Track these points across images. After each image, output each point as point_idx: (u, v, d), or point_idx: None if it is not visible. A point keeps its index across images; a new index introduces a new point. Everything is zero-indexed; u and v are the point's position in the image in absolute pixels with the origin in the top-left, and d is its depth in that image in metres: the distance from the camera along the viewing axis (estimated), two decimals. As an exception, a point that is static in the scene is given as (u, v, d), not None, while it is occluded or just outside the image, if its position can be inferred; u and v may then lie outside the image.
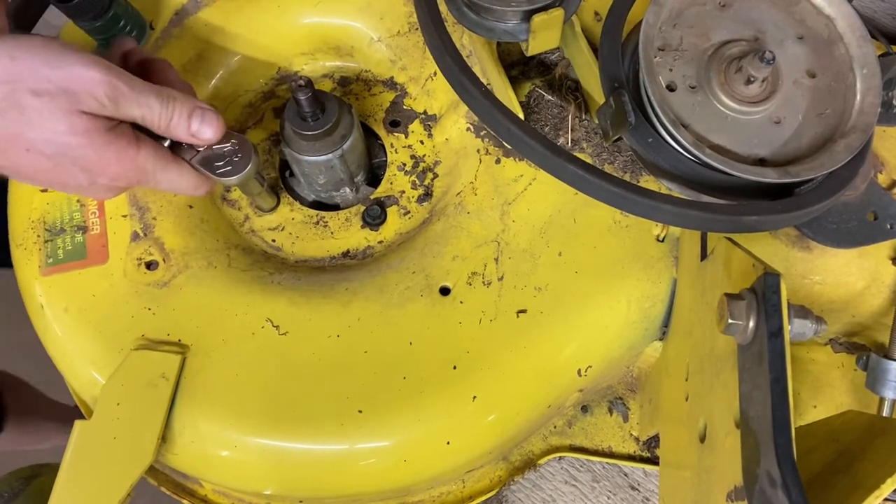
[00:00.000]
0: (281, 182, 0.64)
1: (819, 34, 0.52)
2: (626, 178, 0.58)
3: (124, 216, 0.57)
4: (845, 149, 0.47)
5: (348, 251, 0.60)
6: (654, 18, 0.51)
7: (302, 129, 0.55)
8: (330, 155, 0.56)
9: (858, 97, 0.49)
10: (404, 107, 0.67)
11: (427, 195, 0.62)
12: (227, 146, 0.51)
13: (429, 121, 0.66)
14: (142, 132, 0.48)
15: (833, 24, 0.51)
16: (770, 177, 0.46)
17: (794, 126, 0.50)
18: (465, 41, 0.64)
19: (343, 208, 0.63)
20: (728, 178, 0.48)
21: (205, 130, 0.48)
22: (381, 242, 0.60)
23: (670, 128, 0.48)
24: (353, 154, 0.58)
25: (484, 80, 0.63)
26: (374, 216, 0.61)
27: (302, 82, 0.52)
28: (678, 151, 0.49)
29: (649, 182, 0.58)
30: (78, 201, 0.58)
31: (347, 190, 0.62)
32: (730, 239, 0.45)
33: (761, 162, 0.49)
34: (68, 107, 0.42)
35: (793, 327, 0.38)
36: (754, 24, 0.52)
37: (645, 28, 0.51)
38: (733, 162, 0.47)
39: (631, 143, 0.51)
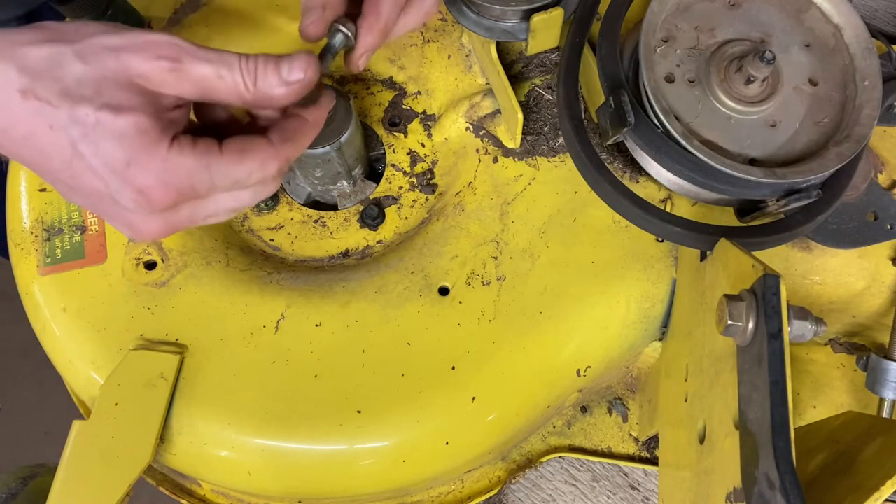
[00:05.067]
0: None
1: (825, 43, 0.52)
2: (626, 178, 0.58)
3: (123, 216, 0.57)
4: (836, 157, 0.47)
5: (347, 251, 0.60)
6: (659, 7, 0.51)
7: None
8: (327, 147, 0.55)
9: (857, 108, 0.49)
10: (403, 106, 0.66)
11: (426, 195, 0.62)
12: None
13: (428, 120, 0.65)
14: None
15: (840, 33, 0.51)
16: (755, 175, 0.46)
17: (790, 131, 0.50)
18: (465, 41, 0.64)
19: (341, 202, 0.63)
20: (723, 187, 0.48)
21: (296, 72, 0.38)
22: (379, 242, 0.60)
23: (661, 116, 0.48)
24: (351, 147, 0.58)
25: (483, 80, 0.63)
26: (373, 216, 0.61)
27: None
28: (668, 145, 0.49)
29: (649, 182, 0.58)
30: (76, 201, 0.57)
31: (345, 183, 0.61)
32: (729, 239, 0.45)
33: (752, 162, 0.49)
34: (118, 75, 0.35)
35: (792, 329, 0.37)
36: (762, 26, 0.52)
37: (649, 16, 0.51)
38: (720, 157, 0.47)
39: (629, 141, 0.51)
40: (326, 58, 0.45)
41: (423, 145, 0.65)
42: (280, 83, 0.38)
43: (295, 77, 0.39)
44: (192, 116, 0.41)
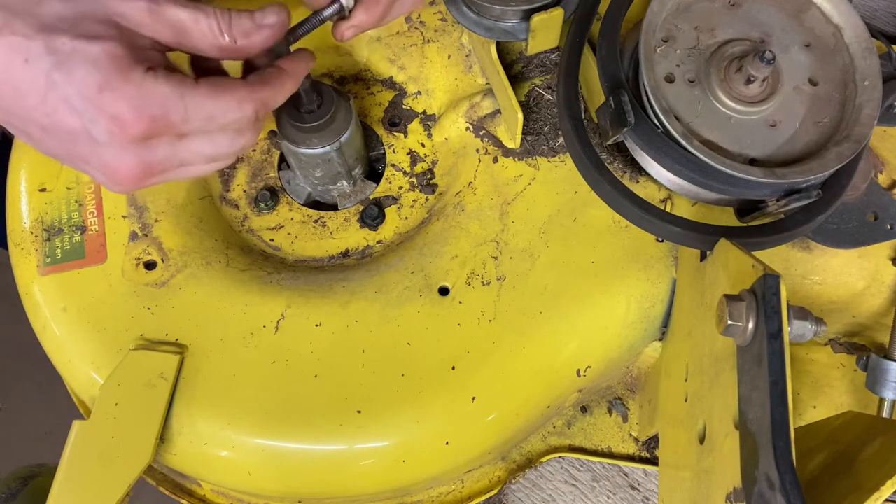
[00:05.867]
0: (278, 174, 0.64)
1: (826, 43, 0.52)
2: (626, 178, 0.58)
3: (123, 216, 0.57)
4: (836, 157, 0.48)
5: (347, 251, 0.60)
6: (659, 7, 0.51)
7: (299, 121, 0.54)
8: (327, 147, 0.55)
9: (857, 108, 0.49)
10: (403, 106, 0.66)
11: (426, 195, 0.62)
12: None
13: (428, 120, 0.65)
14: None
15: (840, 33, 0.51)
16: (755, 175, 0.46)
17: (790, 131, 0.50)
18: (465, 41, 0.64)
19: (341, 202, 0.63)
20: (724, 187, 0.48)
21: (269, 16, 0.40)
22: (379, 242, 0.60)
23: (661, 116, 0.48)
24: (351, 147, 0.58)
25: (483, 80, 0.63)
26: (373, 216, 0.61)
27: None
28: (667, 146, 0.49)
29: (649, 182, 0.58)
30: (76, 201, 0.58)
31: (345, 183, 0.61)
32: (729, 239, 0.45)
33: (752, 162, 0.49)
34: (96, 11, 0.36)
35: (792, 329, 0.37)
36: (762, 26, 0.52)
37: (649, 16, 0.51)
38: (720, 157, 0.47)
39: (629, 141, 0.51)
40: (311, 21, 0.46)
41: (423, 145, 0.65)
42: (253, 26, 0.39)
43: (268, 20, 0.40)
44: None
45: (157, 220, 0.57)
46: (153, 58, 0.38)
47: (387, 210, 0.62)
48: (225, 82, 0.40)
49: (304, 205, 0.63)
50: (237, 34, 0.39)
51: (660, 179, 0.53)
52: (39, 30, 0.35)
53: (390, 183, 0.63)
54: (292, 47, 0.47)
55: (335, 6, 0.46)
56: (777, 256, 0.57)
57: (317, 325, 0.54)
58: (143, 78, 0.36)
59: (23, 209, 0.58)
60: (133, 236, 0.56)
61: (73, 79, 0.35)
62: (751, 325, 0.36)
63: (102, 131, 0.37)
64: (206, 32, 0.39)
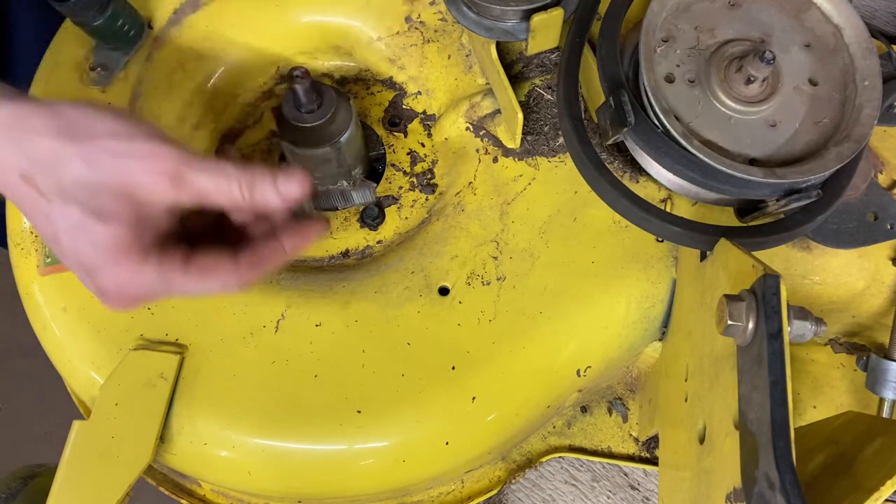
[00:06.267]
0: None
1: (826, 43, 0.52)
2: (626, 178, 0.58)
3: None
4: (836, 157, 0.47)
5: (347, 251, 0.60)
6: (659, 7, 0.51)
7: (299, 121, 0.54)
8: (327, 147, 0.55)
9: (857, 108, 0.49)
10: (403, 106, 0.66)
11: (426, 195, 0.62)
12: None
13: (428, 120, 0.65)
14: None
15: (840, 33, 0.51)
16: (755, 175, 0.46)
17: (791, 131, 0.50)
18: (465, 41, 0.64)
19: (341, 203, 0.63)
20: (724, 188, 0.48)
21: (292, 187, 0.40)
22: (379, 242, 0.60)
23: (661, 116, 0.48)
24: (351, 147, 0.58)
25: (483, 81, 0.63)
26: (373, 216, 0.61)
27: (299, 73, 0.51)
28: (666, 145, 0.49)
29: (649, 182, 0.58)
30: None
31: (345, 183, 0.61)
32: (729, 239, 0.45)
33: (752, 162, 0.49)
34: (115, 182, 0.37)
35: (792, 329, 0.37)
36: (762, 26, 0.52)
37: (649, 16, 0.51)
38: (720, 157, 0.47)
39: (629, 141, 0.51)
40: (337, 196, 0.46)
41: (423, 145, 0.65)
42: (275, 194, 0.40)
43: (292, 192, 0.41)
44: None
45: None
46: (161, 225, 0.40)
47: (387, 210, 0.62)
48: (212, 265, 0.41)
49: (304, 205, 0.63)
50: (258, 199, 0.40)
51: (660, 179, 0.53)
52: (57, 193, 0.37)
53: (390, 183, 0.63)
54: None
55: (366, 192, 0.45)
56: (777, 256, 0.57)
57: (317, 325, 0.54)
58: (136, 265, 0.38)
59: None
60: (133, 236, 0.56)
61: (75, 248, 0.38)
62: (751, 325, 0.36)
63: (92, 289, 0.40)
64: (227, 196, 0.39)
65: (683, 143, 0.48)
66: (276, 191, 0.40)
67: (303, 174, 0.41)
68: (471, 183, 0.59)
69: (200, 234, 0.44)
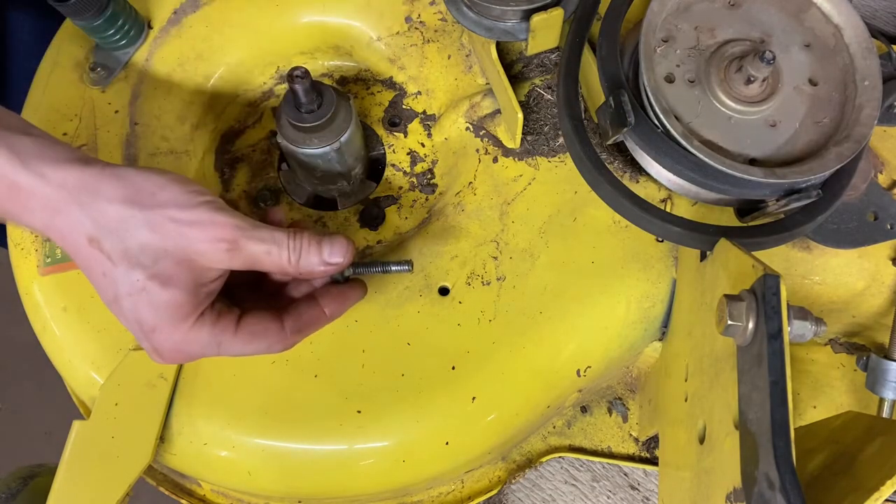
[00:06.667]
0: (278, 174, 0.64)
1: (826, 43, 0.52)
2: (626, 178, 0.58)
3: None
4: (836, 157, 0.47)
5: (347, 251, 0.60)
6: (659, 7, 0.51)
7: (299, 121, 0.54)
8: (327, 147, 0.55)
9: (857, 108, 0.49)
10: (403, 106, 0.66)
11: (426, 195, 0.62)
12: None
13: (428, 120, 0.65)
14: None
15: (840, 33, 0.51)
16: (755, 175, 0.46)
17: (790, 131, 0.50)
18: (465, 41, 0.64)
19: (341, 202, 0.63)
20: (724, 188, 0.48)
21: (335, 255, 0.44)
22: (379, 242, 0.60)
23: (661, 116, 0.48)
24: (351, 147, 0.58)
25: (483, 81, 0.63)
26: (373, 216, 0.61)
27: (299, 73, 0.51)
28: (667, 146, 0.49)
29: (649, 182, 0.58)
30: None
31: (345, 183, 0.61)
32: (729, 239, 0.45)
33: (752, 162, 0.49)
34: (177, 250, 0.40)
35: (792, 329, 0.37)
36: (762, 26, 0.52)
37: (649, 16, 0.51)
38: (720, 157, 0.47)
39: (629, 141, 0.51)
40: (376, 265, 0.50)
41: (423, 145, 0.65)
42: (320, 262, 0.44)
43: (335, 260, 0.44)
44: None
45: (157, 220, 0.57)
46: (215, 289, 0.43)
47: (387, 210, 0.62)
48: (261, 328, 0.44)
49: (304, 205, 0.63)
50: (304, 269, 0.43)
51: (660, 179, 0.53)
52: (123, 257, 0.40)
53: (390, 183, 0.63)
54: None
55: (404, 266, 0.49)
56: (777, 256, 0.57)
57: (317, 325, 0.54)
58: (191, 327, 0.41)
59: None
60: (133, 236, 0.56)
61: (135, 310, 0.41)
62: (751, 325, 0.36)
63: (147, 347, 0.43)
64: (276, 262, 0.43)
65: (683, 143, 0.48)
66: (321, 260, 0.44)
67: (346, 243, 0.44)
68: (471, 183, 0.59)
69: (240, 284, 0.47)
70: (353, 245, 0.45)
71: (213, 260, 0.41)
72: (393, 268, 0.48)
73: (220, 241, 0.40)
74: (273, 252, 0.42)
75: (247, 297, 0.47)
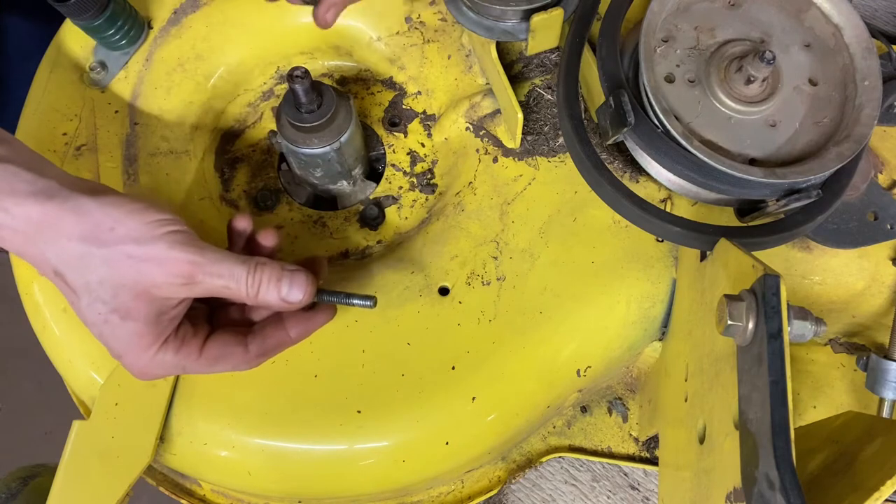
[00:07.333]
0: (278, 174, 0.64)
1: (826, 43, 0.52)
2: (626, 178, 0.58)
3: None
4: (836, 157, 0.48)
5: (347, 251, 0.60)
6: (659, 7, 0.51)
7: (299, 121, 0.54)
8: (327, 147, 0.55)
9: (857, 108, 0.49)
10: (403, 106, 0.66)
11: (426, 195, 0.62)
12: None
13: (428, 120, 0.65)
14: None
15: (840, 33, 0.51)
16: (755, 175, 0.47)
17: (790, 131, 0.50)
18: (465, 41, 0.64)
19: (340, 202, 0.63)
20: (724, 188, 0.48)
21: (294, 293, 0.44)
22: (379, 242, 0.60)
23: (661, 116, 0.48)
24: (351, 147, 0.57)
25: (483, 81, 0.63)
26: (373, 216, 0.61)
27: (299, 73, 0.51)
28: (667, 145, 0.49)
29: (649, 182, 0.58)
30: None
31: (345, 183, 0.61)
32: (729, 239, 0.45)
33: (752, 162, 0.49)
34: (135, 284, 0.41)
35: (792, 329, 0.37)
36: (762, 26, 0.52)
37: (649, 16, 0.51)
38: (720, 157, 0.47)
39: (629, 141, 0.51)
40: (340, 296, 0.48)
41: (423, 145, 0.65)
42: (278, 299, 0.44)
43: (293, 298, 0.44)
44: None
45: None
46: (177, 315, 0.44)
47: (387, 210, 0.62)
48: (225, 352, 0.45)
49: (304, 205, 0.63)
50: (262, 303, 0.44)
51: (660, 179, 0.53)
52: (85, 290, 0.41)
53: (390, 183, 0.63)
54: None
55: (367, 301, 0.48)
56: (777, 256, 0.57)
57: (317, 325, 0.54)
58: (155, 354, 0.43)
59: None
60: (133, 236, 0.56)
61: (102, 337, 0.43)
62: (751, 325, 0.36)
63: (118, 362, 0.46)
64: (235, 295, 0.44)
65: (683, 143, 0.48)
66: (279, 297, 0.44)
67: (307, 280, 0.45)
68: (471, 183, 0.59)
69: (209, 300, 0.48)
70: (315, 280, 0.45)
71: (170, 292, 0.42)
72: (355, 301, 0.48)
73: (176, 277, 0.41)
74: (231, 287, 0.43)
75: (217, 311, 0.48)
